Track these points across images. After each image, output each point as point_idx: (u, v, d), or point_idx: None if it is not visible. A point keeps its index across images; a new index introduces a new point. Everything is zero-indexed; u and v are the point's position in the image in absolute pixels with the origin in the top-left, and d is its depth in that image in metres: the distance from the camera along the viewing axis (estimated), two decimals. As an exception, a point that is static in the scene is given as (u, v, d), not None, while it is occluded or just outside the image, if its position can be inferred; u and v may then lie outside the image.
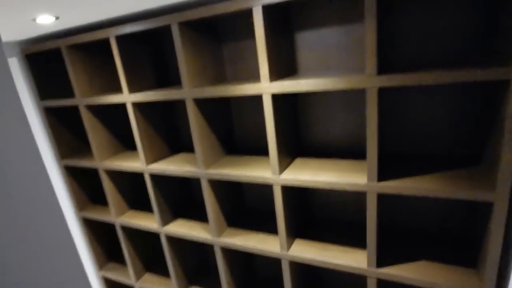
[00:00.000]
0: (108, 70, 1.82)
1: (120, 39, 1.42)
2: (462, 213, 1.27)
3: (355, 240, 1.37)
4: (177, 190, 1.82)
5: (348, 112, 1.34)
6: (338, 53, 1.27)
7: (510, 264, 1.00)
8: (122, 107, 1.94)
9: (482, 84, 1.10)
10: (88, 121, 1.71)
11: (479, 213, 1.14)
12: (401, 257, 1.22)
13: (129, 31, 1.33)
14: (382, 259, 1.22)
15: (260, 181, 1.27)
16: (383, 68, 1.06)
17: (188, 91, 1.30)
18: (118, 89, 1.84)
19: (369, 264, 1.19)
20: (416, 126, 1.24)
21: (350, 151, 1.39)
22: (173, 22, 1.22)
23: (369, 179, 1.08)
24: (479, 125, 1.14)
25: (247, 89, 1.17)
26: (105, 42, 1.79)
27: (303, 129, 1.46)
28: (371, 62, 0.95)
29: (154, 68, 1.64)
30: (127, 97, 1.49)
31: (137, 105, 1.52)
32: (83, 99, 1.65)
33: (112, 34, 1.38)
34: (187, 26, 1.27)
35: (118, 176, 1.88)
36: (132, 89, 1.49)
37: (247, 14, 1.39)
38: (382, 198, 1.21)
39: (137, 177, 2.04)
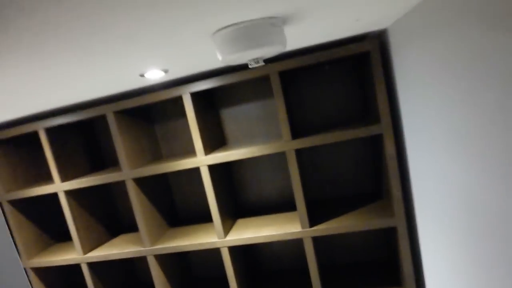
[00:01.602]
0: (34, 161, 1.76)
1: (50, 130, 1.44)
2: (384, 241, 1.51)
3: (302, 284, 1.48)
4: (119, 276, 1.72)
5: (275, 172, 1.55)
6: (259, 124, 1.52)
7: (423, 274, 1.22)
8: (51, 198, 1.84)
9: (371, 137, 1.44)
10: (13, 218, 1.58)
11: (394, 239, 1.39)
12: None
13: (61, 122, 1.38)
14: (328, 298, 1.35)
15: (208, 246, 1.34)
16: (296, 132, 1.31)
17: (129, 172, 1.36)
18: (45, 180, 1.77)
19: (318, 305, 1.30)
20: (332, 175, 1.50)
21: (283, 205, 1.57)
22: (108, 112, 1.33)
23: (302, 226, 1.25)
24: (375, 167, 1.45)
25: (186, 164, 1.30)
26: (29, 134, 1.76)
27: (240, 193, 1.61)
28: (285, 130, 1.19)
29: (87, 154, 1.66)
30: (59, 186, 1.46)
31: (70, 193, 1.49)
32: (6, 194, 1.55)
33: (41, 127, 1.41)
34: (122, 114, 1.39)
35: (49, 273, 1.71)
36: (64, 177, 1.48)
37: (176, 98, 1.58)
38: (317, 240, 1.38)
39: (73, 269, 1.86)
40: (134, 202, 1.38)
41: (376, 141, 1.33)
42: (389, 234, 1.46)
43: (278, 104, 1.17)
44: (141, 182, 1.43)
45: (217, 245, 1.33)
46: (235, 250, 1.39)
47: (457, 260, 0.82)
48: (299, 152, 1.41)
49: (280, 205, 1.58)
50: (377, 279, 1.40)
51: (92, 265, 1.54)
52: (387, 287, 1.34)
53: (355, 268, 1.52)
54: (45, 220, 1.76)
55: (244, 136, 1.55)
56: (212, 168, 1.32)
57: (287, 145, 1.19)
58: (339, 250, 1.56)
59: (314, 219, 1.32)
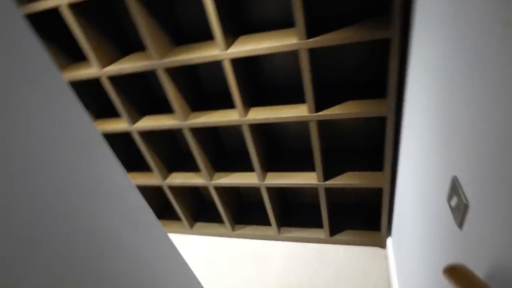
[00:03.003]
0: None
1: None
2: (377, 61, 1.58)
3: (298, 98, 1.67)
4: (136, 90, 1.94)
5: (278, -16, 1.47)
6: None
7: (404, 88, 1.34)
8: (54, 16, 1.85)
9: None
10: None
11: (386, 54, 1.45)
12: (332, 102, 1.55)
13: None
14: (319, 106, 1.55)
15: (210, 59, 1.45)
16: None
17: (124, -18, 1.32)
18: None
19: (309, 111, 1.51)
20: (336, -12, 1.42)
21: (286, 23, 1.57)
22: None
23: (299, 38, 1.29)
24: (385, -23, 1.35)
25: (181, -31, 1.23)
26: None
27: (243, 10, 1.58)
28: None
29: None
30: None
31: (74, 7, 1.50)
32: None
33: None
34: None
35: (75, 88, 1.94)
36: (63, -10, 1.45)
37: None
38: (313, 55, 1.45)
39: (94, 85, 2.09)
40: (137, 17, 1.40)
41: None
42: (382, 50, 1.51)
43: None
44: (139, -6, 1.40)
45: (219, 58, 1.43)
46: (237, 63, 1.50)
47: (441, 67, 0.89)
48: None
49: (284, 23, 1.58)
50: (365, 94, 1.55)
51: (111, 79, 1.72)
52: (371, 99, 1.50)
53: (344, 84, 1.66)
54: (57, 41, 1.84)
55: None
56: (210, -25, 1.26)
57: None
58: (333, 66, 1.66)
59: (312, 33, 1.34)
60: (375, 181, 1.67)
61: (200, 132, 1.91)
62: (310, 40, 1.28)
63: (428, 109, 0.96)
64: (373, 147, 1.89)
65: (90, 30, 1.60)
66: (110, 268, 0.76)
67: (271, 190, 2.03)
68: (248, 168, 2.04)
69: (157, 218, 0.97)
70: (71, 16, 1.50)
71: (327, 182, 1.75)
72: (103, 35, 1.68)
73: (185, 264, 1.09)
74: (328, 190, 1.93)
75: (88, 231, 0.68)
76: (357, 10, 1.46)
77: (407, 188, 1.34)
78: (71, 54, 1.93)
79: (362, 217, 2.13)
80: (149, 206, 0.95)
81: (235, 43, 1.47)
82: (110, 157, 0.81)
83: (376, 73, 1.62)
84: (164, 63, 1.53)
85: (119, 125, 1.92)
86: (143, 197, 0.91)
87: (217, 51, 1.44)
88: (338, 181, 1.73)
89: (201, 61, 1.47)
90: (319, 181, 1.76)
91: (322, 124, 1.70)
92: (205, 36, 1.73)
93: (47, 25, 1.78)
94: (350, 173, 1.76)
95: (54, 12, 1.82)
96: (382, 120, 1.77)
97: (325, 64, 1.66)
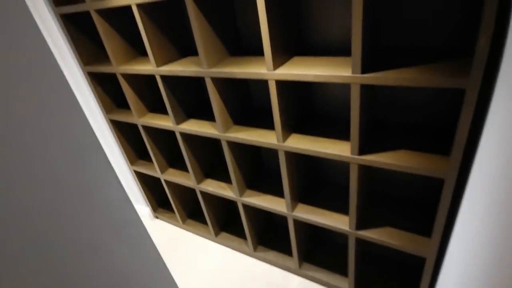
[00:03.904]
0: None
1: None
2: (445, 105, 1.33)
3: (346, 133, 1.50)
4: (189, 92, 1.97)
5: (346, 9, 1.33)
6: None
7: (477, 146, 1.09)
8: (128, 12, 1.98)
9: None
10: (101, 27, 1.80)
11: (457, 106, 1.20)
12: (381, 146, 1.35)
13: None
14: (365, 148, 1.36)
15: (255, 76, 1.37)
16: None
17: (186, -12, 1.32)
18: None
19: (352, 152, 1.34)
20: (408, 18, 1.23)
21: (347, 49, 1.42)
22: None
23: (353, 71, 1.14)
24: (469, 17, 1.11)
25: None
26: None
27: (303, 30, 1.48)
28: None
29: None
30: (131, -1, 1.53)
31: (141, 7, 1.57)
32: (93, 2, 1.72)
33: None
34: None
35: (135, 80, 2.05)
36: (136, -10, 1.53)
37: None
38: (366, 91, 1.28)
39: (153, 81, 2.19)
40: (193, 22, 1.40)
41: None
42: (454, 94, 1.26)
43: None
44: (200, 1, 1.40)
45: (265, 77, 1.35)
46: (283, 85, 1.40)
47: None
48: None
49: (344, 48, 1.43)
50: (423, 144, 1.32)
51: (164, 78, 1.77)
52: (432, 153, 1.26)
53: (402, 127, 1.44)
54: (128, 35, 1.97)
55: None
56: (269, -9, 1.19)
57: (356, -35, 0.95)
58: (390, 103, 1.44)
59: (370, 66, 1.18)
60: (419, 247, 1.41)
61: (239, 146, 1.85)
62: (365, 75, 1.12)
63: (492, 193, 0.74)
64: (424, 204, 1.61)
65: (154, 29, 1.66)
66: (88, 279, 0.73)
67: (299, 222, 1.88)
68: (281, 193, 1.92)
69: (148, 232, 0.92)
70: (138, 15, 1.57)
71: (360, 232, 1.54)
72: (166, 35, 1.73)
73: (173, 282, 1.04)
74: (360, 239, 1.71)
75: (69, 239, 0.65)
76: (433, 45, 1.24)
77: (452, 275, 1.09)
78: (138, 48, 2.05)
79: (398, 278, 1.85)
80: (140, 219, 0.91)
81: (285, 64, 1.38)
82: (106, 165, 0.78)
83: (442, 119, 1.37)
84: (210, 72, 1.51)
85: (166, 122, 1.97)
86: (135, 210, 0.88)
87: (264, 69, 1.36)
88: (373, 235, 1.51)
89: (245, 77, 1.40)
90: (350, 228, 1.56)
91: (366, 167, 1.50)
92: (262, 50, 1.66)
93: (120, 20, 1.91)
94: (390, 229, 1.52)
95: (127, 9, 1.95)
96: (439, 180, 1.50)
97: (381, 100, 1.46)
